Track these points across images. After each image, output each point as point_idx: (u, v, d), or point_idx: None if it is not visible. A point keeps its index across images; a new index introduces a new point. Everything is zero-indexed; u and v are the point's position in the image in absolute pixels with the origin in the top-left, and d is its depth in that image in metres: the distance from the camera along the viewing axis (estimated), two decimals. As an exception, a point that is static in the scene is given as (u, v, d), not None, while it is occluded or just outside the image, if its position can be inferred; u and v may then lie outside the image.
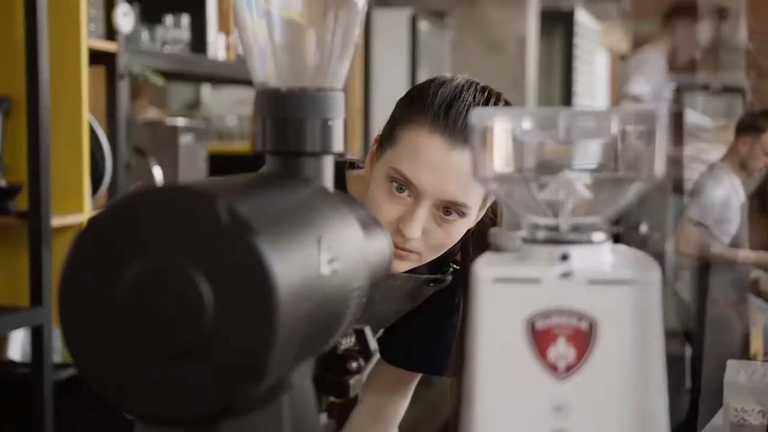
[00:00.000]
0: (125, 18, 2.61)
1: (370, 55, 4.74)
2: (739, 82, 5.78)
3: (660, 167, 0.66)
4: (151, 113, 4.36)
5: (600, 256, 0.67)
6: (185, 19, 3.01)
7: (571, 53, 7.39)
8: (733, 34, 8.89)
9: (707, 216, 4.06)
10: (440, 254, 1.28)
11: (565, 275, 0.65)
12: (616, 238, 0.71)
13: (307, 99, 0.77)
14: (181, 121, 3.17)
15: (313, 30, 0.79)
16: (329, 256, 0.67)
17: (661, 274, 0.67)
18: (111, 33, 2.62)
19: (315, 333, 0.67)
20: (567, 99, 7.48)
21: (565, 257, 0.66)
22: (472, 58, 5.29)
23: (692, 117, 4.29)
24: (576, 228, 0.68)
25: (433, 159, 1.21)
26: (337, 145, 0.79)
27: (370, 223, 0.82)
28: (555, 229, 0.68)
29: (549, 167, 0.69)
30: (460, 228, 1.26)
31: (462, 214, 1.23)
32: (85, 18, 2.47)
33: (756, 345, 4.41)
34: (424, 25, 5.00)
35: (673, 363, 4.01)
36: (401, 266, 1.27)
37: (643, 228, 3.33)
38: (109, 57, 2.63)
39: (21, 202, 2.38)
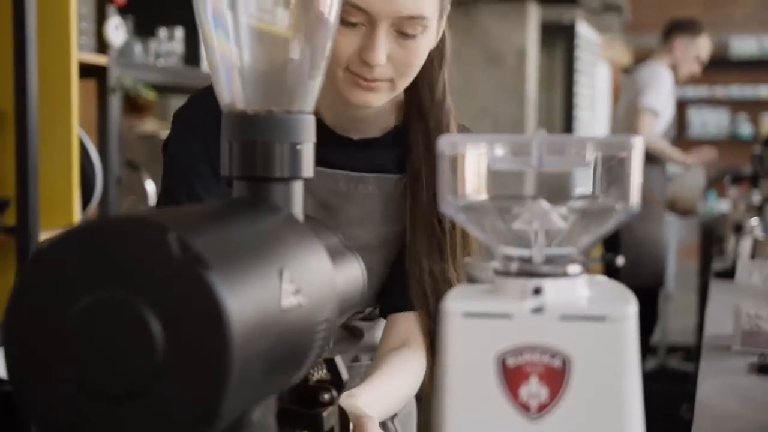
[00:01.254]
0: (116, 31, 2.58)
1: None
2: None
3: (636, 197, 0.63)
4: (150, 125, 4.34)
5: (575, 289, 0.64)
6: (179, 32, 2.99)
7: (572, 66, 7.37)
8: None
9: (659, 104, 4.18)
10: (412, 77, 1.23)
11: (537, 310, 0.62)
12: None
13: (275, 122, 0.74)
14: (175, 135, 3.14)
15: (281, 51, 0.76)
16: (292, 288, 0.64)
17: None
18: (102, 46, 2.60)
19: (276, 368, 0.64)
20: (568, 111, 7.45)
21: (537, 291, 0.63)
22: (472, 70, 5.26)
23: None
24: (550, 260, 0.65)
25: None
26: (307, 169, 0.76)
27: (340, 251, 0.79)
28: (528, 260, 0.65)
29: (522, 196, 0.66)
30: (423, 45, 1.21)
31: (423, 28, 1.19)
32: (75, 31, 2.45)
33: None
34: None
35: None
36: (375, 98, 1.23)
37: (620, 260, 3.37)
38: (101, 70, 2.60)
39: (9, 217, 2.35)
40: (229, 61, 0.75)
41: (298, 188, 0.75)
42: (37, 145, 2.31)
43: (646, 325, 4.35)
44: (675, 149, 4.39)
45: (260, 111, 0.74)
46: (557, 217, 0.65)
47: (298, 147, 0.75)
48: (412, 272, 1.29)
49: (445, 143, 0.65)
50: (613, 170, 0.64)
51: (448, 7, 1.26)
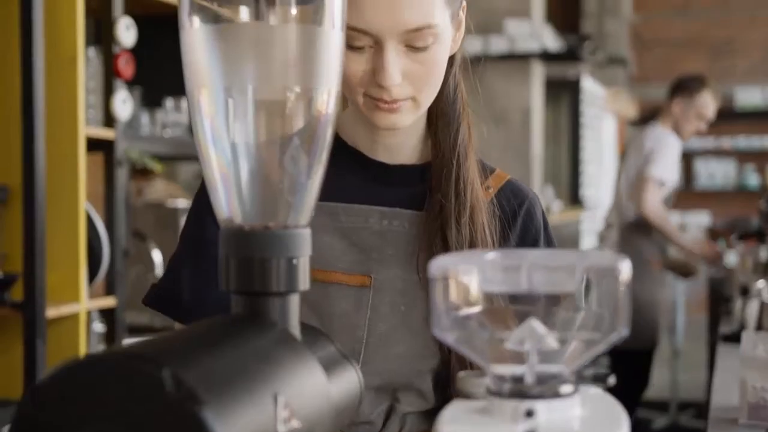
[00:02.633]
0: (124, 105, 2.62)
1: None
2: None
3: (625, 320, 0.64)
4: (159, 186, 4.37)
5: (567, 410, 0.65)
6: (185, 102, 3.03)
7: (577, 120, 7.42)
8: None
9: (668, 175, 4.18)
10: (436, 90, 1.15)
11: (530, 434, 0.63)
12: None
13: (271, 238, 0.75)
14: (182, 203, 3.17)
15: (277, 167, 0.78)
16: (287, 413, 0.65)
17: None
18: (110, 119, 2.63)
19: (272, 493, 0.64)
20: (574, 166, 7.48)
21: (530, 413, 0.64)
22: (477, 129, 5.30)
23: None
24: (542, 380, 0.65)
25: None
26: (303, 283, 0.77)
27: (336, 361, 0.79)
28: (520, 379, 0.66)
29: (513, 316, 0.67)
30: (439, 54, 1.13)
31: (434, 37, 1.11)
32: (83, 106, 2.48)
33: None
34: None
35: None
36: (401, 119, 1.15)
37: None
38: (108, 144, 2.63)
39: (16, 293, 2.37)
40: (227, 178, 0.77)
41: (294, 301, 0.76)
42: (44, 221, 2.33)
43: (638, 385, 4.33)
44: (676, 231, 4.39)
45: (257, 227, 0.76)
46: (549, 337, 0.65)
47: (294, 261, 0.76)
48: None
49: (436, 267, 0.66)
50: (602, 290, 0.65)
51: (461, 6, 1.18)
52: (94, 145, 2.59)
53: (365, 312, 1.18)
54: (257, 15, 0.74)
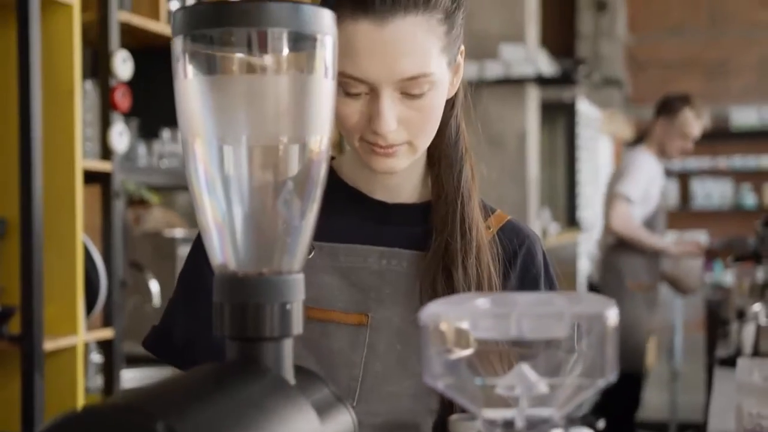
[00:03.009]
0: (121, 138, 2.63)
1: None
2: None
3: (613, 365, 0.65)
4: (157, 214, 4.38)
5: (557, 454, 0.66)
6: (182, 133, 3.04)
7: (573, 142, 7.45)
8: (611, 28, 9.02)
9: (635, 192, 4.20)
10: (432, 134, 1.16)
11: (520, 480, 0.63)
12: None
13: (265, 284, 0.76)
14: (179, 232, 3.18)
15: (271, 214, 0.79)
16: (280, 459, 0.66)
17: None
18: (107, 152, 2.64)
19: None
20: (571, 188, 7.51)
21: (521, 458, 0.65)
22: (473, 153, 5.32)
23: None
24: (533, 424, 0.66)
25: (366, 44, 1.09)
26: (297, 327, 0.78)
27: (330, 404, 0.80)
28: (511, 424, 0.67)
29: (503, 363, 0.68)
30: (435, 100, 1.14)
31: (430, 84, 1.12)
32: (80, 139, 2.49)
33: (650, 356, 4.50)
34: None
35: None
36: (397, 163, 1.16)
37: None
38: (105, 176, 2.64)
39: (14, 326, 2.37)
40: (221, 225, 0.78)
41: (288, 346, 0.77)
42: (42, 254, 2.34)
43: (629, 408, 4.33)
44: (653, 236, 4.37)
45: (251, 273, 0.77)
46: (540, 382, 0.66)
47: (288, 307, 0.77)
48: None
49: (427, 314, 0.67)
50: (591, 337, 0.66)
51: (458, 51, 1.18)
52: (91, 177, 2.60)
53: (362, 350, 1.19)
54: (250, 66, 0.75)
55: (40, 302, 2.32)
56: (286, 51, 0.75)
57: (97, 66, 2.70)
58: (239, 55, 0.75)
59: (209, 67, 0.75)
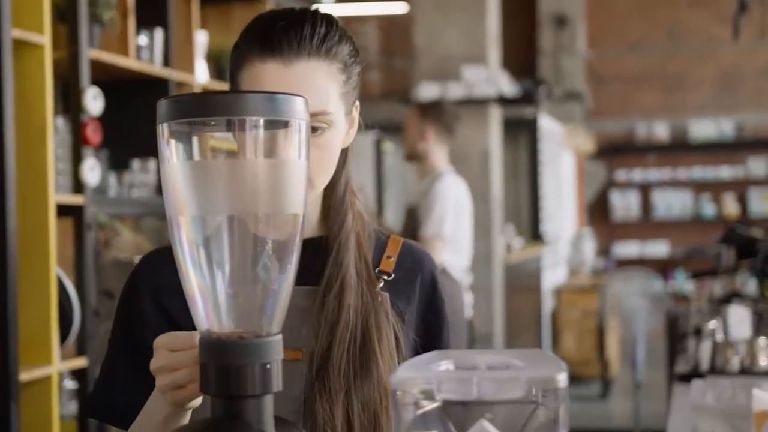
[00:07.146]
0: (92, 172, 2.69)
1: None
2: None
3: (566, 423, 0.73)
4: (126, 237, 4.40)
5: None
6: (152, 164, 3.10)
7: (536, 158, 7.56)
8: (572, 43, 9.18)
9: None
10: (330, 173, 1.22)
11: None
12: None
13: (246, 347, 0.84)
14: (149, 259, 3.23)
15: (251, 283, 0.86)
16: None
17: None
18: (79, 185, 2.70)
19: None
20: (534, 202, 7.62)
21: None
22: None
23: None
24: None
25: (272, 82, 1.16)
26: (277, 384, 0.86)
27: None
28: (472, 476, 0.74)
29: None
30: (332, 140, 1.20)
31: (328, 124, 1.19)
32: (53, 174, 2.55)
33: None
34: (388, 146, 5.13)
35: None
36: None
37: None
38: (77, 209, 2.70)
39: (-11, 358, 2.41)
40: (205, 294, 0.85)
41: (268, 401, 0.85)
42: (16, 287, 2.39)
43: None
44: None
45: (233, 337, 0.85)
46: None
47: (268, 366, 0.84)
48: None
49: (397, 381, 0.74)
50: (545, 397, 0.73)
51: (354, 102, 1.26)
52: (63, 210, 2.65)
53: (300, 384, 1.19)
54: (229, 150, 0.83)
55: (15, 334, 2.37)
56: (262, 136, 0.83)
57: (69, 101, 2.76)
58: (219, 141, 0.83)
59: (192, 152, 0.83)
